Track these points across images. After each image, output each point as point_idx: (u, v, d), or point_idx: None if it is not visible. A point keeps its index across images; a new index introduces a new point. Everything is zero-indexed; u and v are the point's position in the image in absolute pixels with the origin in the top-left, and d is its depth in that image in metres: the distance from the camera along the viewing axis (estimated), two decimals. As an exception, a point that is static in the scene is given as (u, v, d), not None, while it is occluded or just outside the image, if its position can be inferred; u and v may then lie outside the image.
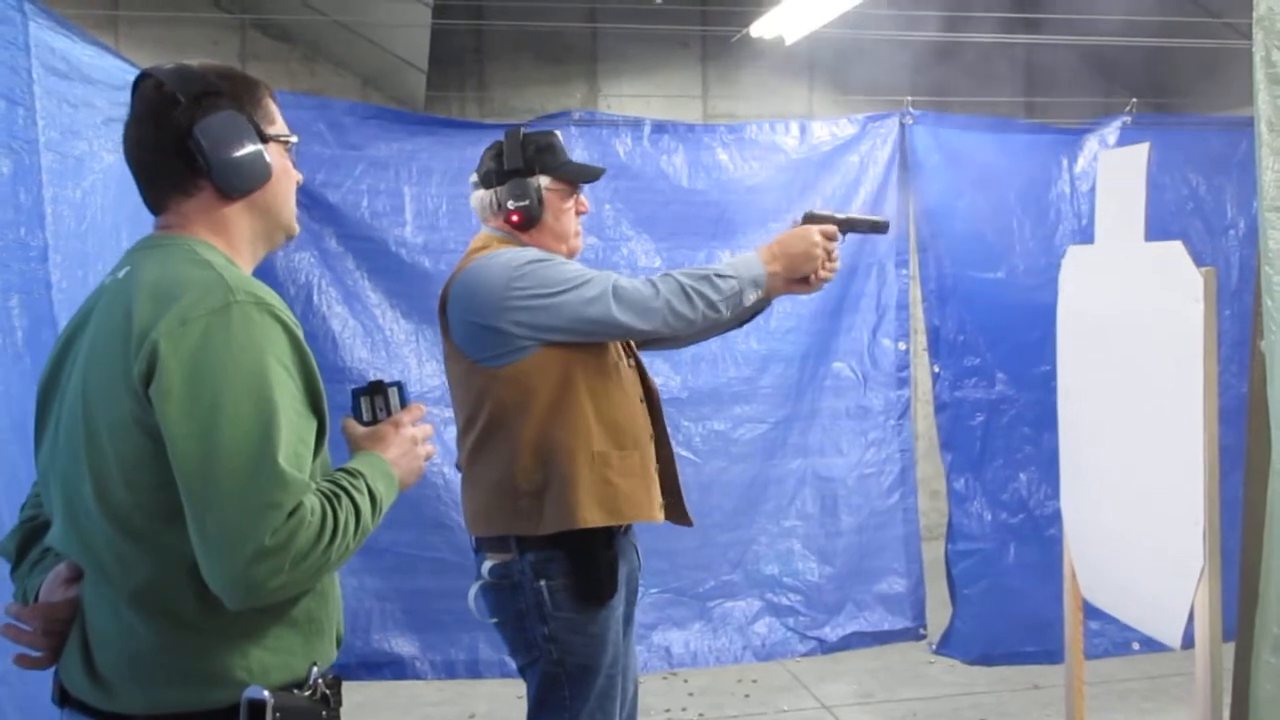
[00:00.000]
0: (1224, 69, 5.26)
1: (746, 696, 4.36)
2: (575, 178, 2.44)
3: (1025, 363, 4.15)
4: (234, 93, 1.53)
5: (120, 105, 2.75)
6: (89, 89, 2.44)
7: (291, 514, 1.33)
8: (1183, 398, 2.49)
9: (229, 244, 1.53)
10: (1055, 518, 4.34)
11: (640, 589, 4.02)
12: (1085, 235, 4.10)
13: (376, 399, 1.59)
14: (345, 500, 1.42)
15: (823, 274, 2.39)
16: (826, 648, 4.34)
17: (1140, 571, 2.75)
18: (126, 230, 2.63)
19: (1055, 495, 4.33)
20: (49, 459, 1.50)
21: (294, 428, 1.38)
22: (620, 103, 6.12)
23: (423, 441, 1.61)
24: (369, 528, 1.46)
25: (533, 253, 2.33)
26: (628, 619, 2.52)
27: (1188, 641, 2.58)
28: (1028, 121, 4.65)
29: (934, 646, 4.42)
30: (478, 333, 2.30)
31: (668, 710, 4.23)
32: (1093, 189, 4.18)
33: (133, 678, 1.43)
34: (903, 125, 4.09)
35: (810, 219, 2.42)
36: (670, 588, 4.12)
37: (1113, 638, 4.32)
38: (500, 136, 4.02)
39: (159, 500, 1.38)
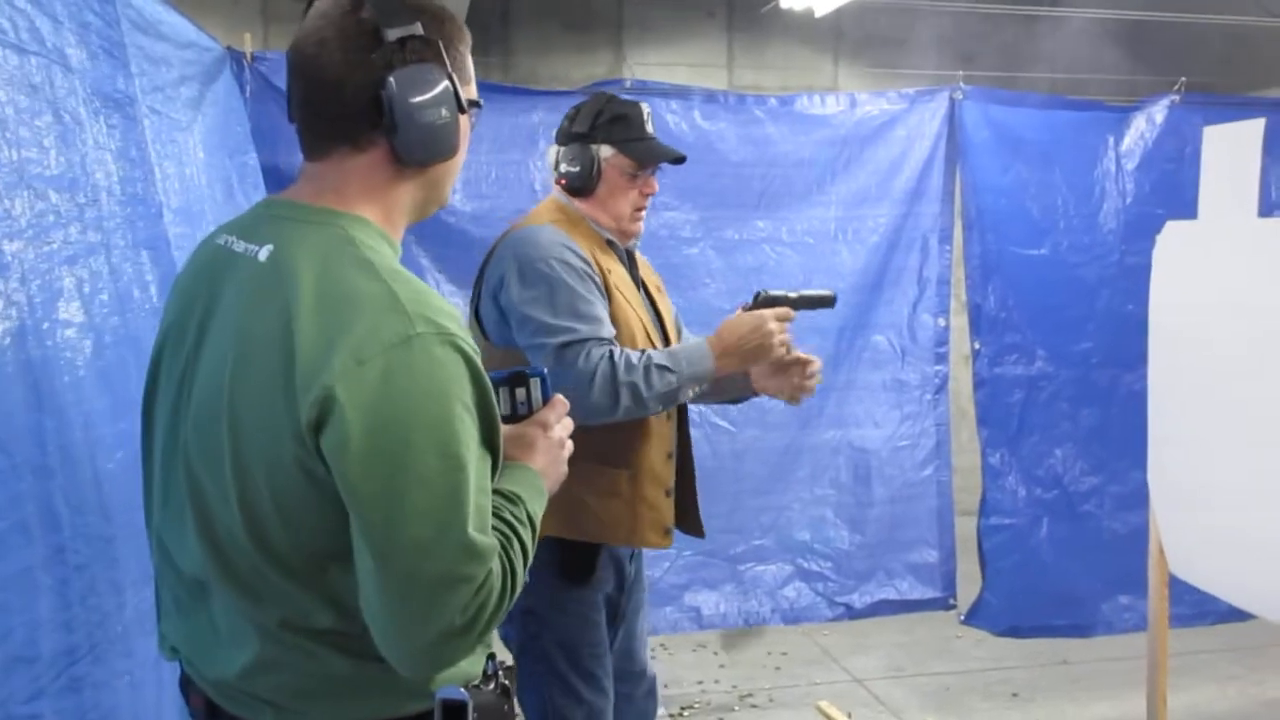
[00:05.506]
0: (1261, 49, 5.26)
1: (778, 669, 4.38)
2: (640, 158, 2.28)
3: (1066, 340, 4.15)
4: (447, 41, 1.27)
5: (189, 64, 2.67)
6: (165, 46, 2.37)
7: (480, 586, 1.19)
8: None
9: (386, 218, 1.32)
10: (1090, 494, 4.35)
11: (674, 552, 4.01)
12: (1129, 213, 4.10)
13: (517, 390, 1.42)
14: (516, 544, 1.27)
15: (776, 356, 2.25)
16: (854, 614, 4.36)
17: (1252, 553, 2.74)
18: (220, 189, 2.56)
19: (1091, 472, 4.35)
20: (168, 450, 1.32)
21: (479, 478, 1.21)
22: (646, 70, 6.05)
23: (566, 443, 1.45)
24: (530, 560, 1.30)
25: (552, 262, 2.16)
26: (622, 615, 2.42)
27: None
28: (1077, 99, 4.61)
29: (963, 617, 4.46)
30: (494, 311, 2.21)
31: (700, 682, 4.24)
32: (1137, 167, 4.18)
33: (315, 697, 1.28)
34: (953, 100, 4.06)
35: (763, 301, 2.29)
36: (702, 550, 4.09)
37: (1142, 612, 4.34)
38: (551, 102, 3.94)
39: (322, 544, 1.21)
